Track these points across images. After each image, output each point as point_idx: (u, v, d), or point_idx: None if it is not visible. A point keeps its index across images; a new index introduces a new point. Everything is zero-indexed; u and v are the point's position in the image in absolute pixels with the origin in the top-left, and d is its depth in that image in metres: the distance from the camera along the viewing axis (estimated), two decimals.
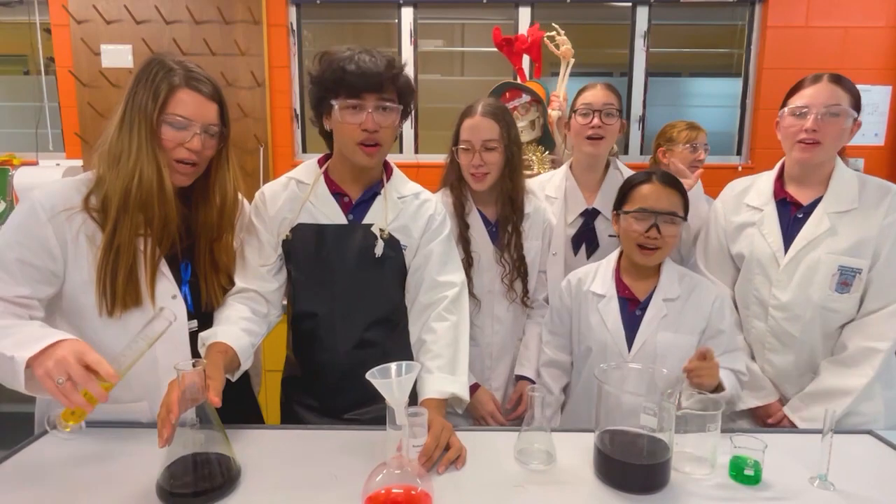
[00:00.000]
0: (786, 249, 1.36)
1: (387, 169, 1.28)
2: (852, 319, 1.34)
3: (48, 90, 2.92)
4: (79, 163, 2.83)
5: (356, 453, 1.01)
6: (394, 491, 0.81)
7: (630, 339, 1.30)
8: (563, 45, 2.30)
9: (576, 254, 1.69)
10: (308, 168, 1.26)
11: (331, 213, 1.21)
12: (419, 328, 1.23)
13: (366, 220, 1.21)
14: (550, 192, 1.72)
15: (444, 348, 1.17)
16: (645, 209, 1.28)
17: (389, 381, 0.78)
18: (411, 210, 1.25)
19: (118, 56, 2.75)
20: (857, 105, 1.30)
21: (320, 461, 0.99)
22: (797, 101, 1.33)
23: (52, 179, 2.67)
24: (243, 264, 1.21)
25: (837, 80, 1.30)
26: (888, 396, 1.36)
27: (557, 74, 2.36)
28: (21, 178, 2.72)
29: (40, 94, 2.94)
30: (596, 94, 1.61)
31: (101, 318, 1.04)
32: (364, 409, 1.23)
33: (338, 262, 1.19)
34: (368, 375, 0.79)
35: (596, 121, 1.58)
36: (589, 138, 1.61)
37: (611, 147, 1.68)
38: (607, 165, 1.71)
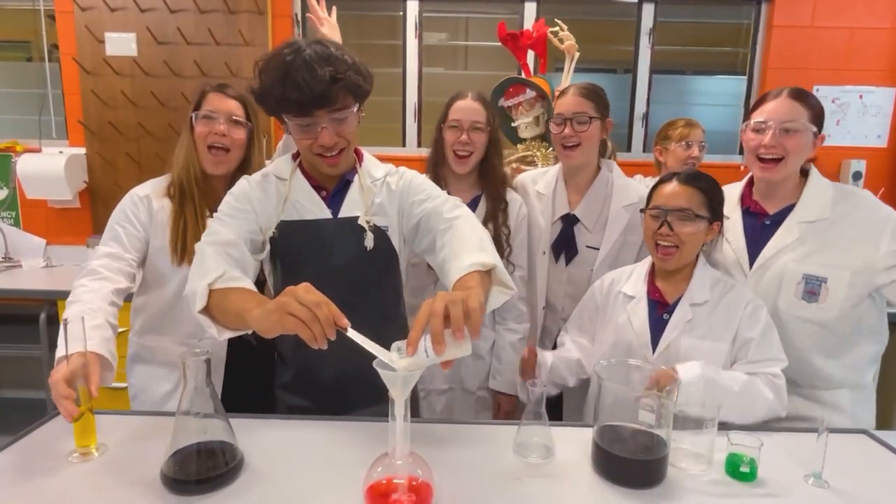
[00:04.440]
0: (752, 257, 1.35)
1: (357, 154, 1.25)
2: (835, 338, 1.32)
3: (52, 77, 2.92)
4: (81, 150, 2.83)
5: (358, 444, 1.02)
6: (395, 481, 0.82)
7: (655, 342, 1.28)
8: (566, 39, 2.30)
9: (556, 261, 1.67)
10: (284, 163, 1.23)
11: (315, 208, 1.18)
12: (438, 257, 1.12)
13: (344, 211, 1.19)
14: (541, 189, 1.71)
15: (460, 238, 1.06)
16: (658, 206, 1.28)
17: (396, 374, 0.79)
18: (384, 191, 1.23)
19: (122, 44, 2.74)
20: (817, 120, 1.29)
21: (322, 451, 1.00)
22: (758, 115, 1.33)
23: (55, 166, 2.69)
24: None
25: (798, 95, 1.29)
26: (862, 416, 1.36)
27: (562, 70, 2.36)
28: (24, 164, 2.72)
29: (44, 80, 2.93)
30: (567, 103, 1.59)
31: (173, 267, 1.37)
32: (359, 413, 1.19)
33: (327, 258, 1.16)
34: (375, 364, 0.80)
35: (567, 130, 1.57)
36: (564, 147, 1.61)
37: (591, 151, 1.63)
38: (600, 167, 1.68)
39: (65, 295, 2.27)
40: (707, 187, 1.28)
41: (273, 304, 0.85)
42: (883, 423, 2.49)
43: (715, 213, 1.28)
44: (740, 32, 2.97)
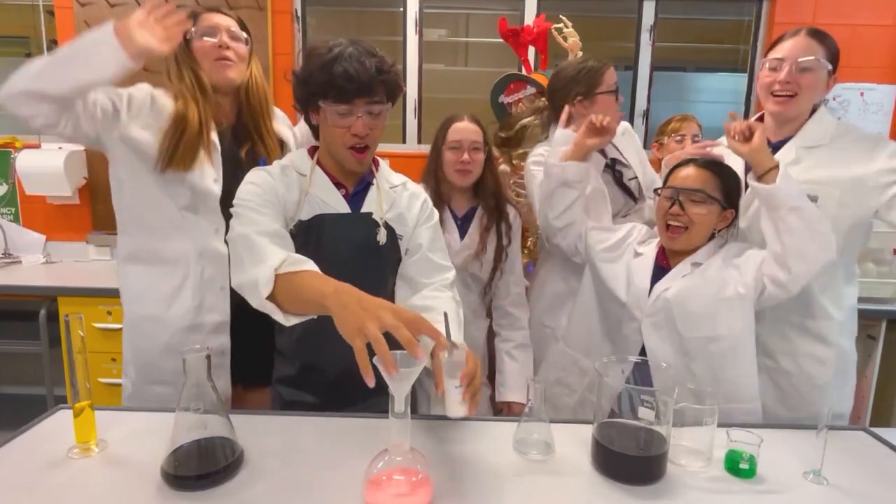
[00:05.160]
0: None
1: (373, 160, 1.29)
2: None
3: None
4: (81, 146, 2.82)
5: (358, 440, 1.02)
6: (395, 477, 0.82)
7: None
8: (570, 37, 2.29)
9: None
10: (302, 158, 1.24)
11: (334, 203, 1.20)
12: (415, 298, 1.21)
13: (364, 210, 1.22)
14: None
15: (447, 309, 1.14)
16: (672, 187, 1.29)
17: (395, 372, 0.79)
18: (404, 199, 1.28)
19: None
20: (833, 59, 1.33)
21: (322, 447, 1.01)
22: (775, 53, 1.35)
23: (54, 163, 2.68)
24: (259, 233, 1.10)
25: (815, 33, 1.33)
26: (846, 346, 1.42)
27: None
28: (23, 160, 2.72)
29: None
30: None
31: (153, 173, 1.36)
32: (363, 405, 1.19)
33: (340, 252, 1.18)
34: (375, 361, 0.80)
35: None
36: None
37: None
38: None
39: (64, 291, 2.31)
40: (723, 173, 1.29)
41: (352, 313, 0.83)
42: (881, 420, 2.50)
43: (729, 199, 1.29)
44: (741, 29, 2.96)
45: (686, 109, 2.72)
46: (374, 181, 1.26)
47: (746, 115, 2.96)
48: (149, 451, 0.92)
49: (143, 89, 1.42)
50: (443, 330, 0.99)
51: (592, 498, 0.89)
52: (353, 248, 1.19)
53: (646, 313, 1.30)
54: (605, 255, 1.44)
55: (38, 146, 2.84)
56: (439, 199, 1.67)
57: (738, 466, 0.95)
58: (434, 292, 1.22)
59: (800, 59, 1.30)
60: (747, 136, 1.20)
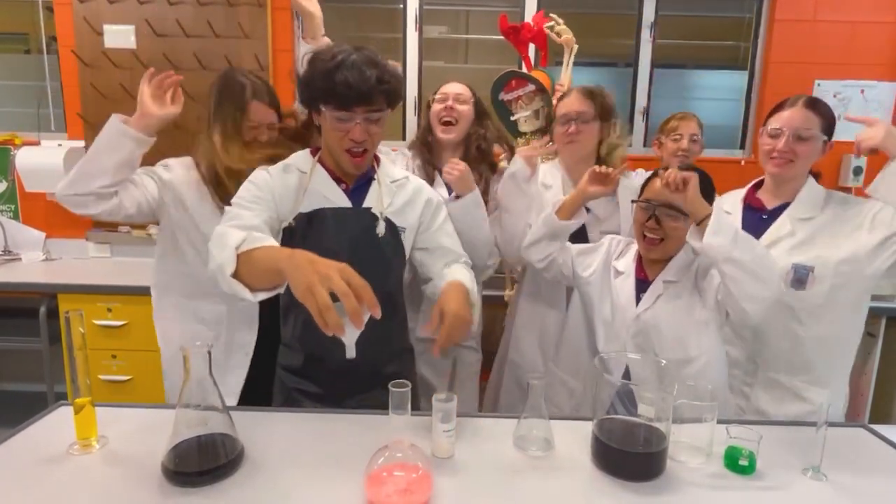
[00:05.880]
0: None
1: (374, 156, 1.31)
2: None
3: (50, 70, 2.91)
4: (80, 143, 2.82)
5: (358, 436, 1.02)
6: (395, 473, 0.83)
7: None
8: (564, 33, 2.27)
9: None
10: (304, 157, 1.28)
11: (334, 197, 1.23)
12: (436, 278, 1.29)
13: (365, 205, 1.24)
14: (546, 181, 1.76)
15: (463, 276, 1.24)
16: (648, 200, 1.30)
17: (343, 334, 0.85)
18: (406, 193, 1.30)
19: (121, 37, 2.72)
20: (828, 128, 1.39)
21: (322, 443, 1.01)
22: (774, 122, 1.41)
23: (54, 159, 2.68)
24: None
25: (812, 104, 1.39)
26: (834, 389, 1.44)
27: (562, 64, 2.34)
28: (23, 157, 2.71)
29: (42, 73, 2.92)
30: (571, 103, 1.69)
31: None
32: (366, 395, 1.23)
33: (341, 245, 1.19)
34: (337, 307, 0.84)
35: (572, 129, 1.67)
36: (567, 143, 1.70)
37: (588, 149, 1.69)
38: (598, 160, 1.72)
39: (64, 288, 2.32)
40: (700, 185, 1.27)
41: (304, 273, 0.86)
42: (881, 417, 2.50)
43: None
44: (742, 26, 2.95)
45: (686, 107, 2.71)
46: (376, 176, 1.27)
47: (747, 113, 2.96)
48: (149, 448, 0.93)
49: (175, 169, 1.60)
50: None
51: (592, 494, 0.89)
52: (353, 242, 1.21)
53: (630, 335, 1.33)
54: (590, 279, 1.45)
55: (37, 143, 2.84)
56: (429, 165, 1.71)
57: (738, 463, 0.95)
58: (447, 269, 1.28)
59: (797, 130, 1.36)
60: (680, 188, 1.20)
